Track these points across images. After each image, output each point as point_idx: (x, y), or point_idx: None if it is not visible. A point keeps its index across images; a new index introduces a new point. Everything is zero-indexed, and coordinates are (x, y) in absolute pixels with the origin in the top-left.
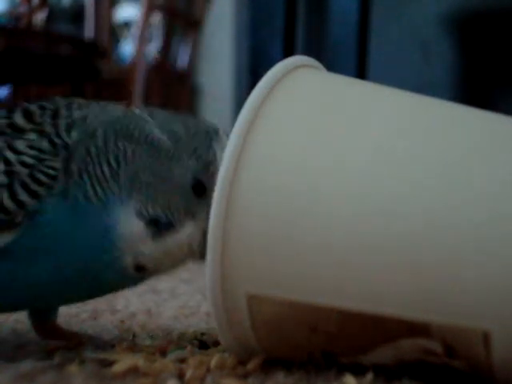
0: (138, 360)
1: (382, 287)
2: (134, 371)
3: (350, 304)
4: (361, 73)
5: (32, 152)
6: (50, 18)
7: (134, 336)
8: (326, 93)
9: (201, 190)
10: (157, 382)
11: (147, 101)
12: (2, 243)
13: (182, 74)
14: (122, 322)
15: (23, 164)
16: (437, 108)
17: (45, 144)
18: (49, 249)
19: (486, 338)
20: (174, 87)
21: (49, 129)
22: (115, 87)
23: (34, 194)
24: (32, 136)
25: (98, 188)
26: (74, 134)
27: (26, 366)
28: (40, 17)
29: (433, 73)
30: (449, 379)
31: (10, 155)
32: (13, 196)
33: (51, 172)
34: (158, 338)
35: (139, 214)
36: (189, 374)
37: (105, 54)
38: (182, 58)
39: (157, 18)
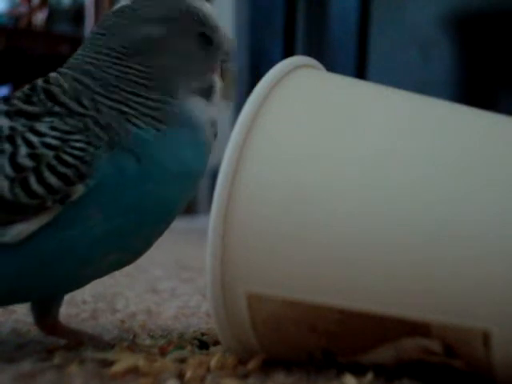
0: (138, 360)
1: (383, 287)
2: (133, 371)
3: (350, 304)
4: (361, 73)
5: (55, 133)
6: (50, 18)
7: (133, 336)
8: (325, 93)
9: (207, 41)
10: (157, 382)
11: None
12: (34, 228)
13: None
14: (122, 321)
15: (48, 146)
16: (436, 108)
17: (68, 123)
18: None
19: (485, 337)
20: None
21: (59, 109)
22: None
23: (62, 177)
24: (48, 118)
25: (144, 112)
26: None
27: (26, 365)
28: (40, 17)
29: (432, 73)
30: (449, 379)
31: (32, 138)
32: (40, 180)
33: (77, 153)
34: (158, 338)
35: (191, 93)
36: (189, 374)
37: None
38: None
39: None
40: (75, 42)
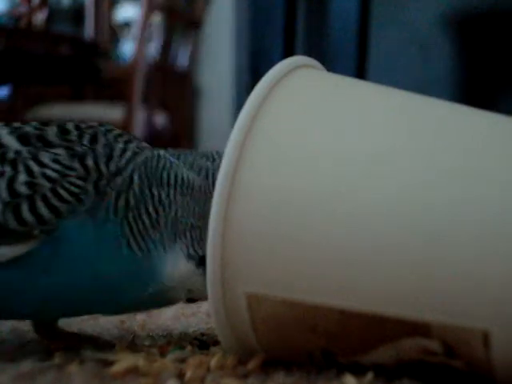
0: (138, 360)
1: (382, 287)
2: (133, 371)
3: (350, 304)
4: (361, 73)
5: (56, 166)
6: (50, 18)
7: (134, 336)
8: (325, 93)
9: None
10: (157, 382)
11: (147, 101)
12: (18, 253)
13: (182, 74)
14: (122, 322)
15: (46, 178)
16: (436, 108)
17: (74, 163)
18: (69, 266)
19: (485, 337)
20: (174, 87)
21: (81, 149)
22: (115, 87)
23: (54, 210)
24: (59, 151)
25: (138, 238)
26: (112, 168)
27: (26, 365)
28: (40, 17)
29: (432, 73)
30: (449, 379)
31: (33, 167)
32: (32, 209)
33: (74, 189)
34: (158, 338)
35: (189, 256)
36: (189, 374)
37: (105, 54)
38: (182, 58)
39: (157, 18)
40: (75, 42)
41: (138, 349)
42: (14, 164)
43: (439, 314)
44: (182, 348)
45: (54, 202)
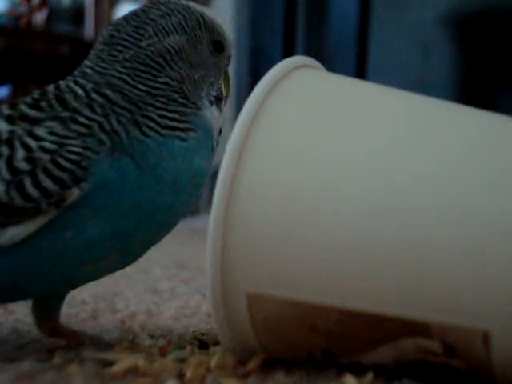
0: (138, 360)
1: (383, 287)
2: (133, 371)
3: (350, 303)
4: (361, 73)
5: (52, 138)
6: (50, 18)
7: (133, 336)
8: (325, 93)
9: (220, 47)
10: (157, 382)
11: None
12: (30, 231)
13: None
14: (122, 322)
15: (44, 150)
16: (437, 108)
17: (69, 128)
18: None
19: (485, 337)
20: None
21: (68, 114)
22: None
23: (57, 181)
24: (50, 123)
25: (163, 118)
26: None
27: (26, 365)
28: (40, 17)
29: (432, 73)
30: (449, 379)
31: (30, 142)
32: (36, 183)
33: (74, 157)
34: (158, 338)
35: (210, 103)
36: (189, 374)
37: None
38: None
39: None
40: (75, 41)
41: (138, 349)
42: (9, 143)
43: (439, 313)
44: (182, 348)
45: (56, 172)
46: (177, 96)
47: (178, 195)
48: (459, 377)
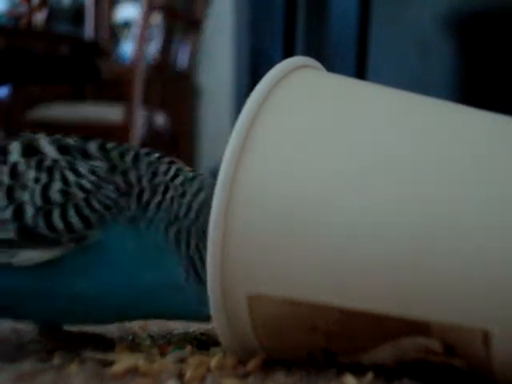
0: (138, 360)
1: (383, 286)
2: (133, 371)
3: (350, 303)
4: (361, 73)
5: (92, 178)
6: (50, 18)
7: (133, 336)
8: (325, 93)
9: None
10: (157, 382)
11: (147, 101)
12: (45, 258)
13: (182, 73)
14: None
15: (81, 188)
16: (437, 108)
17: (113, 176)
18: (108, 271)
19: (485, 337)
20: (174, 87)
21: (124, 165)
22: (115, 87)
23: (84, 219)
24: (98, 163)
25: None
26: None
27: (26, 365)
28: (40, 17)
29: (432, 73)
30: (449, 379)
31: (70, 176)
32: (63, 216)
33: (107, 202)
34: (158, 338)
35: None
36: (189, 374)
37: (105, 54)
38: (182, 58)
39: (157, 18)
40: (75, 41)
41: (138, 349)
42: (50, 171)
43: (439, 313)
44: (182, 348)
45: (86, 211)
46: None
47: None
48: (459, 376)
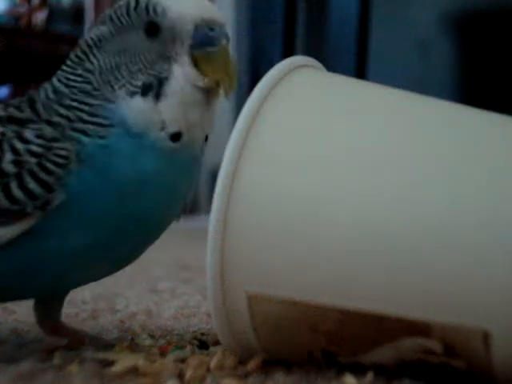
0: (138, 360)
1: (382, 287)
2: (133, 371)
3: (350, 303)
4: (361, 73)
5: (40, 141)
6: (50, 18)
7: (133, 336)
8: (325, 93)
9: (154, 29)
10: (157, 382)
11: None
12: (16, 232)
13: None
14: (122, 322)
15: (32, 153)
16: (437, 108)
17: (50, 131)
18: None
19: (485, 337)
20: None
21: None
22: None
23: (43, 184)
24: (41, 126)
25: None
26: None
27: (26, 366)
28: (40, 17)
29: (432, 73)
30: (449, 379)
31: (18, 144)
32: (22, 186)
33: (59, 160)
34: (158, 338)
35: (130, 93)
36: (189, 374)
37: None
38: None
39: None
40: (75, 41)
41: (138, 349)
42: (0, 145)
43: (439, 313)
44: (182, 348)
45: (42, 176)
46: (89, 88)
47: (137, 199)
48: (459, 377)
